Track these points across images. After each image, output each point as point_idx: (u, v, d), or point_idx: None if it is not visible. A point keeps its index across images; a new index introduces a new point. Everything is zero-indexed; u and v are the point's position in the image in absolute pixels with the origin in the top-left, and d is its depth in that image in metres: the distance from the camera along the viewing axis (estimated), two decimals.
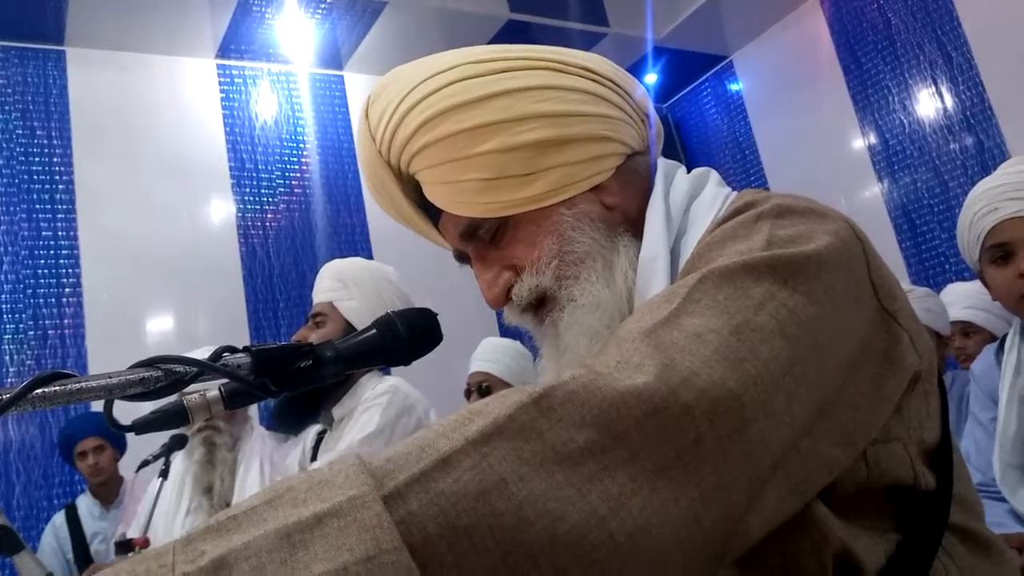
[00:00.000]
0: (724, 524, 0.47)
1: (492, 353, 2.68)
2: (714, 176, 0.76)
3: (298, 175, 4.32)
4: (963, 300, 2.56)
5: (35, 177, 3.68)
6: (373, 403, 1.74)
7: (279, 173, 4.27)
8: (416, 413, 1.77)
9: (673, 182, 0.75)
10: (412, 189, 0.78)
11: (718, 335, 0.50)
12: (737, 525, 0.48)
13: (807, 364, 0.51)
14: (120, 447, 3.12)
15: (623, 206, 0.75)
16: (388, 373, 1.88)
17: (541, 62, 0.74)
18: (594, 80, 0.75)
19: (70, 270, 3.63)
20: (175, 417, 0.66)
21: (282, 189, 4.25)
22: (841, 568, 0.55)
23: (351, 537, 0.39)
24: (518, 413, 0.45)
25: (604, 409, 0.46)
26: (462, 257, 0.80)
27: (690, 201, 0.73)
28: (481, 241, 0.76)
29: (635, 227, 0.74)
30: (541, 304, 0.75)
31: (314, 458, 1.83)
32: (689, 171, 0.79)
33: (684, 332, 0.51)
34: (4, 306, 3.46)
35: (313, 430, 1.88)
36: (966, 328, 2.57)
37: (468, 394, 2.68)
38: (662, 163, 0.78)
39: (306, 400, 1.78)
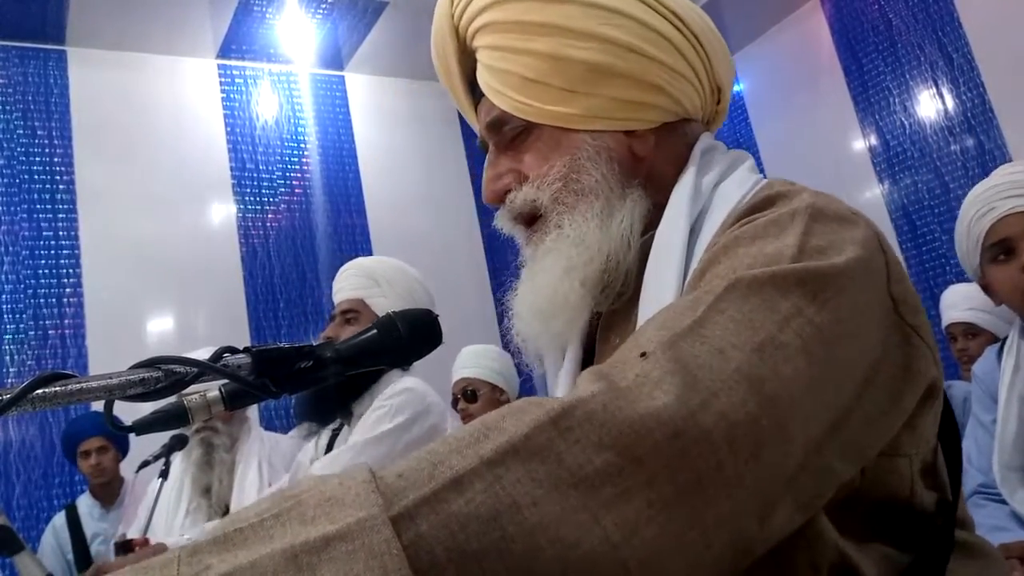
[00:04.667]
0: (733, 548, 0.46)
1: (472, 359, 2.72)
2: (749, 160, 0.75)
3: (299, 176, 4.32)
4: (966, 301, 2.55)
5: (36, 177, 3.68)
6: (384, 403, 1.71)
7: (280, 173, 4.27)
8: (431, 418, 1.73)
9: (710, 159, 0.74)
10: (469, 64, 0.79)
11: (741, 352, 0.49)
12: (745, 547, 0.47)
13: (826, 383, 0.51)
14: (122, 448, 3.12)
15: (652, 162, 0.74)
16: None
17: None
18: (679, 29, 0.73)
19: (71, 270, 3.63)
20: (175, 417, 0.66)
21: (283, 189, 4.25)
22: (838, 574, 0.55)
23: (359, 563, 0.38)
24: (534, 433, 0.44)
25: (623, 431, 0.44)
26: (484, 146, 0.81)
27: (720, 179, 0.71)
28: (503, 137, 0.76)
29: (655, 187, 0.73)
30: (533, 220, 0.76)
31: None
32: None
33: (707, 345, 0.49)
34: (5, 306, 3.46)
35: (327, 428, 1.87)
36: (969, 329, 2.56)
37: (455, 402, 2.69)
38: (705, 138, 0.77)
39: (329, 398, 1.76)
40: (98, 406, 0.58)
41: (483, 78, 0.76)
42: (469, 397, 2.62)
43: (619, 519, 0.42)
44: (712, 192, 0.70)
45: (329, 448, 1.82)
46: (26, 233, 3.59)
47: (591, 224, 0.71)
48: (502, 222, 0.78)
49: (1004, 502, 1.51)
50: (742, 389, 0.47)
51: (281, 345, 0.65)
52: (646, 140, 0.74)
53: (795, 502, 0.50)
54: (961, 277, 3.67)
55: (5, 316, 3.45)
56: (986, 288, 1.57)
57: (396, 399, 1.71)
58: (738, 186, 0.69)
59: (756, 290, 0.52)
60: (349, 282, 1.88)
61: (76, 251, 3.66)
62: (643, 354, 0.50)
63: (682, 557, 0.44)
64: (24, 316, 3.48)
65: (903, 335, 0.57)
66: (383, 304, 1.81)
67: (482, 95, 0.77)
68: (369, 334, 0.70)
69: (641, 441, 0.44)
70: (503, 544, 0.40)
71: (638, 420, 0.45)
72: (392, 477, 0.42)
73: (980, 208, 1.51)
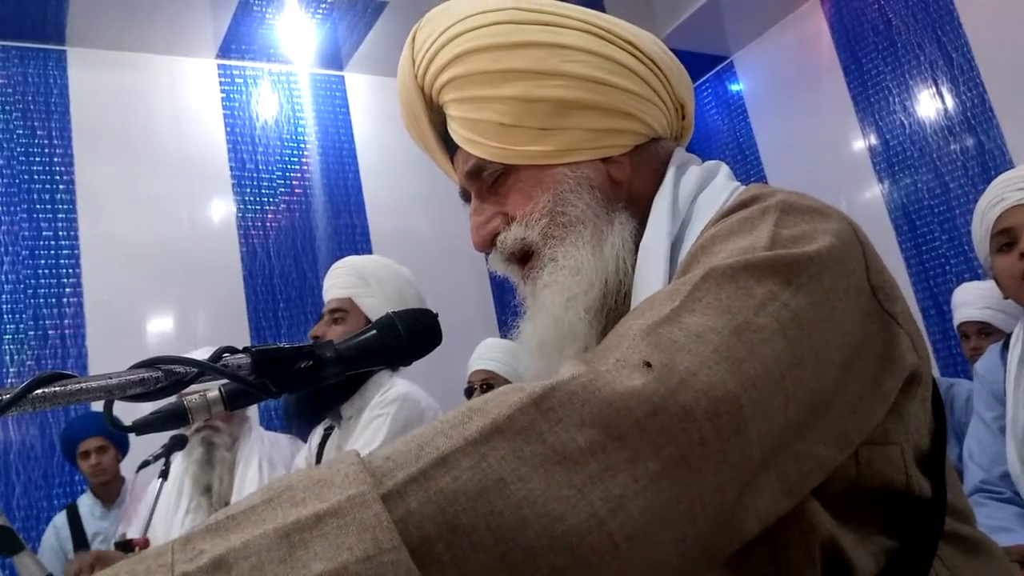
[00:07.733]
0: (717, 524, 0.47)
1: (495, 352, 2.67)
2: (724, 169, 0.77)
3: (299, 175, 4.32)
4: (981, 300, 2.54)
5: (36, 177, 3.68)
6: (381, 412, 1.70)
7: (279, 173, 4.27)
8: (426, 421, 1.74)
9: (685, 172, 0.76)
10: (439, 120, 0.81)
11: (719, 335, 0.50)
12: (729, 524, 0.48)
13: (805, 366, 0.51)
14: (122, 448, 3.12)
15: (630, 184, 0.76)
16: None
17: (587, 25, 0.75)
18: (636, 56, 0.76)
19: (70, 270, 3.63)
20: (175, 417, 0.66)
21: (283, 189, 4.25)
22: (831, 565, 0.55)
23: (351, 537, 0.38)
24: (518, 414, 0.45)
25: (604, 409, 0.45)
26: (465, 195, 0.83)
27: (698, 191, 0.74)
28: (484, 183, 0.78)
29: (637, 207, 0.75)
30: (527, 258, 0.77)
31: (320, 456, 1.82)
32: None
33: (685, 331, 0.50)
34: (4, 306, 3.46)
35: (320, 428, 1.87)
36: (983, 328, 2.55)
37: (470, 392, 2.67)
38: (678, 153, 0.79)
39: (317, 399, 1.77)
40: (98, 406, 0.58)
41: (455, 130, 0.78)
42: (488, 390, 2.56)
43: (605, 494, 0.43)
44: (691, 205, 0.73)
45: (321, 449, 1.82)
46: (26, 233, 3.59)
47: (585, 252, 0.73)
48: (495, 265, 0.80)
49: (1006, 501, 1.51)
50: (721, 369, 0.48)
51: (281, 345, 0.65)
52: (622, 164, 0.76)
53: (780, 484, 0.50)
54: (961, 276, 3.67)
55: (5, 316, 3.44)
56: (996, 279, 1.60)
57: (392, 407, 1.71)
58: (717, 195, 0.72)
59: (731, 278, 0.53)
60: (339, 281, 1.88)
61: (76, 251, 3.66)
62: (622, 340, 0.51)
63: (669, 531, 0.44)
64: (24, 316, 3.48)
65: (882, 322, 0.58)
66: (372, 304, 1.81)
67: (456, 147, 0.79)
68: (369, 334, 0.70)
69: (622, 419, 0.45)
70: (491, 518, 0.41)
71: (618, 398, 0.46)
72: (380, 460, 0.43)
73: (992, 198, 1.57)
